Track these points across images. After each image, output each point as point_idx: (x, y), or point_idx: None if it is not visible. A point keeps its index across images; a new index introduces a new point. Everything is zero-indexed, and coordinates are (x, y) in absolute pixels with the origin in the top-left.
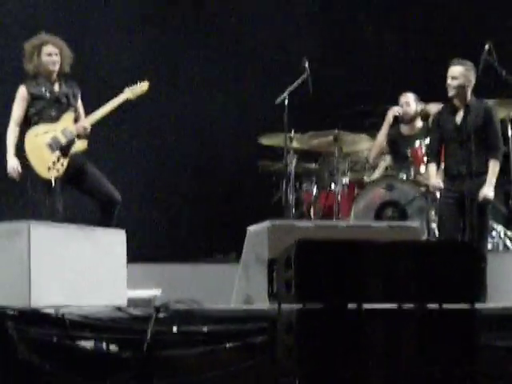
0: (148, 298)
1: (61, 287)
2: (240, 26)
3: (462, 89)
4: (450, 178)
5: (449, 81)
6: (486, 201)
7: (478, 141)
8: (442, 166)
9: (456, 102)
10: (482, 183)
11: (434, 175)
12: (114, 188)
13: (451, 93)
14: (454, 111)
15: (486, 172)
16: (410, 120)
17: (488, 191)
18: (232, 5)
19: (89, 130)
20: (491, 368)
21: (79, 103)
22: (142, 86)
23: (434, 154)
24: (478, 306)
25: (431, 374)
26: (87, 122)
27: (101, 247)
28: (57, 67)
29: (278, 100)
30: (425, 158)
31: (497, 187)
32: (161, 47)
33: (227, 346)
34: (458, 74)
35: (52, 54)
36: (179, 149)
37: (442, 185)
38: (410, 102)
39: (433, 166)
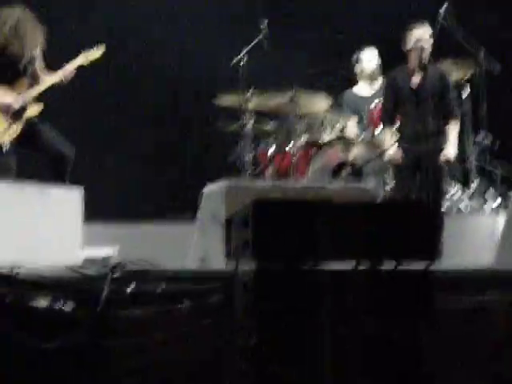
0: (103, 258)
1: (14, 246)
2: None
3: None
4: (405, 138)
5: (422, 44)
6: (448, 162)
7: (433, 103)
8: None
9: (413, 63)
10: (437, 144)
11: (390, 142)
12: (68, 144)
13: (426, 55)
14: (411, 73)
15: (441, 133)
16: (370, 78)
17: (450, 152)
18: None
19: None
20: (444, 329)
21: (38, 65)
22: (97, 52)
23: (388, 118)
24: (432, 267)
25: (387, 336)
26: (43, 85)
27: (56, 205)
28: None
29: (235, 60)
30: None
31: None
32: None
33: (183, 305)
34: (429, 36)
35: None
36: (136, 107)
37: (400, 159)
38: (372, 59)
39: (389, 133)
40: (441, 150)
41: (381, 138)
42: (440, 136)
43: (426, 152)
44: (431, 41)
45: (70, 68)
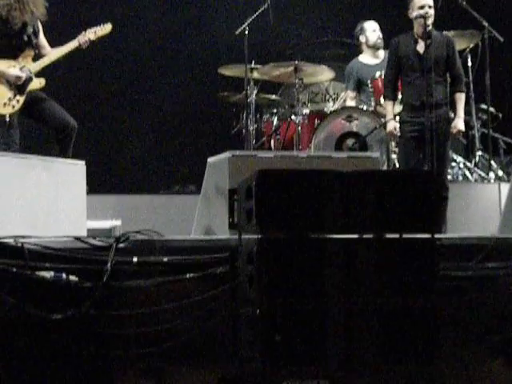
0: (108, 229)
1: (20, 218)
2: None
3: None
4: (409, 108)
5: (426, 10)
6: (459, 133)
7: (439, 72)
8: (399, 96)
9: (418, 31)
10: (442, 114)
11: (391, 114)
12: (70, 116)
13: (430, 22)
14: (415, 41)
15: (446, 103)
16: (374, 47)
17: (460, 123)
18: None
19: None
20: (450, 298)
21: (41, 39)
22: (105, 28)
23: (391, 88)
24: (437, 236)
25: (391, 304)
26: (50, 57)
27: (60, 178)
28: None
29: (239, 30)
30: None
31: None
32: None
33: (188, 276)
34: (432, 2)
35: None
36: (138, 79)
37: (397, 134)
38: (376, 29)
39: (390, 105)
40: (447, 119)
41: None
42: (446, 105)
43: (430, 122)
44: (433, 6)
45: (84, 38)
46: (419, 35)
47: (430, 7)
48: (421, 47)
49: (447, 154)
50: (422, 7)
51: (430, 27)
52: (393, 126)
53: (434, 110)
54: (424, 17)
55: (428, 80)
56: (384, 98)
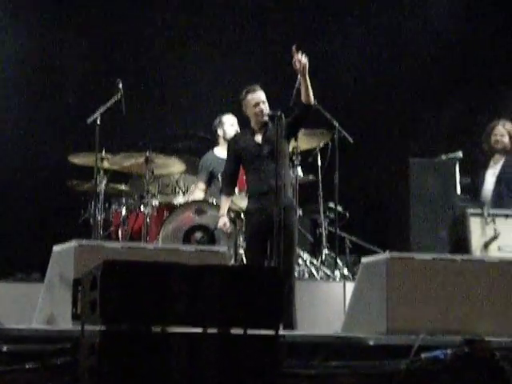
0: None
1: None
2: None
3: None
4: (256, 196)
5: (261, 107)
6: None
7: (282, 155)
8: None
9: (255, 126)
10: (289, 203)
11: (224, 210)
12: None
13: (265, 113)
14: (253, 133)
15: (287, 189)
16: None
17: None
18: None
19: None
20: None
21: None
22: None
23: (228, 183)
24: (282, 332)
25: None
26: None
27: None
28: None
29: (90, 119)
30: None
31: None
32: None
33: (28, 366)
34: (264, 96)
35: None
36: None
37: (228, 229)
38: (234, 123)
39: (225, 200)
40: (294, 208)
41: (234, 201)
42: (287, 193)
43: (276, 212)
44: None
45: None
46: (256, 129)
47: (263, 103)
48: (258, 137)
49: (294, 249)
50: (256, 104)
51: (266, 118)
52: (223, 222)
53: (281, 198)
54: (260, 111)
55: (266, 168)
56: (220, 192)
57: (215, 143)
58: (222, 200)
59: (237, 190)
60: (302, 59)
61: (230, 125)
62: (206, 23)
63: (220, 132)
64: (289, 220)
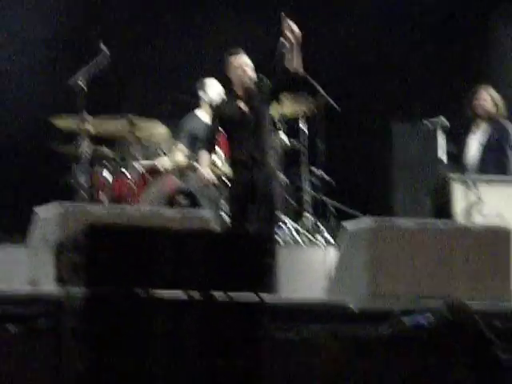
0: None
1: None
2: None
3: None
4: (239, 166)
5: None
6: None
7: (266, 123)
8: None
9: (239, 90)
10: (272, 172)
11: (206, 164)
12: None
13: (248, 79)
14: (237, 98)
15: (275, 159)
16: (212, 103)
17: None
18: None
19: None
20: (276, 360)
21: None
22: None
23: (211, 141)
24: (264, 297)
25: (215, 365)
26: None
27: None
28: None
29: (72, 80)
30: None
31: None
32: None
33: (10, 328)
34: (250, 61)
35: None
36: None
37: (208, 181)
38: (216, 86)
39: (207, 156)
40: (276, 176)
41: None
42: (269, 161)
43: (259, 179)
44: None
45: None
46: (240, 93)
47: (247, 65)
48: (242, 105)
49: (277, 214)
50: (240, 67)
51: (250, 82)
52: (205, 174)
53: (263, 166)
54: (244, 74)
55: (251, 136)
56: (200, 149)
57: (196, 105)
58: (204, 155)
59: (222, 155)
60: (293, 27)
61: (216, 93)
62: None
63: (203, 95)
64: (270, 188)
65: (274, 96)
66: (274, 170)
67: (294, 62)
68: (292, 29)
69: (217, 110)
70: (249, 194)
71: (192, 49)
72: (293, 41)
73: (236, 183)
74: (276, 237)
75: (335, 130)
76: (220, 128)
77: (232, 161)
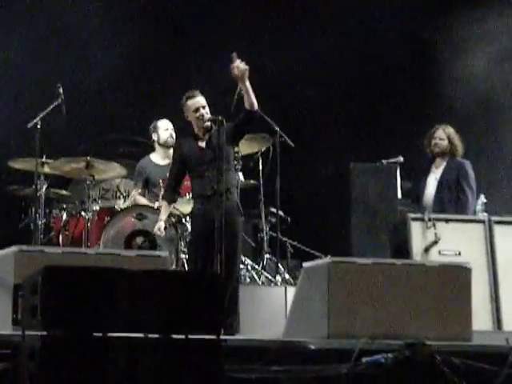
0: None
1: None
2: None
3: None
4: (201, 201)
5: (201, 112)
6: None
7: (227, 159)
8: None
9: (198, 131)
10: (234, 206)
11: (164, 216)
12: None
13: (206, 118)
14: (196, 138)
15: (237, 193)
16: (166, 146)
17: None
18: None
19: None
20: None
21: None
22: None
23: (170, 190)
24: (223, 337)
25: None
26: None
27: None
28: None
29: (31, 124)
30: None
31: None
32: None
33: None
34: (204, 101)
35: None
36: None
37: (162, 234)
38: (168, 128)
39: (165, 206)
40: (238, 210)
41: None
42: (237, 195)
43: (223, 212)
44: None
45: None
46: (200, 134)
47: (203, 107)
48: (202, 144)
49: (238, 250)
50: (196, 110)
51: (207, 123)
52: (157, 226)
53: (226, 198)
54: (202, 115)
55: (209, 173)
56: (162, 198)
57: (152, 147)
58: (163, 206)
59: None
60: (240, 66)
61: (164, 129)
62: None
63: (155, 137)
64: (233, 223)
65: (236, 135)
66: (237, 205)
67: (246, 100)
68: (239, 66)
69: (176, 149)
70: (210, 230)
71: (151, 89)
72: (240, 78)
73: (197, 219)
74: (236, 275)
75: (293, 168)
76: (181, 166)
77: (194, 198)
